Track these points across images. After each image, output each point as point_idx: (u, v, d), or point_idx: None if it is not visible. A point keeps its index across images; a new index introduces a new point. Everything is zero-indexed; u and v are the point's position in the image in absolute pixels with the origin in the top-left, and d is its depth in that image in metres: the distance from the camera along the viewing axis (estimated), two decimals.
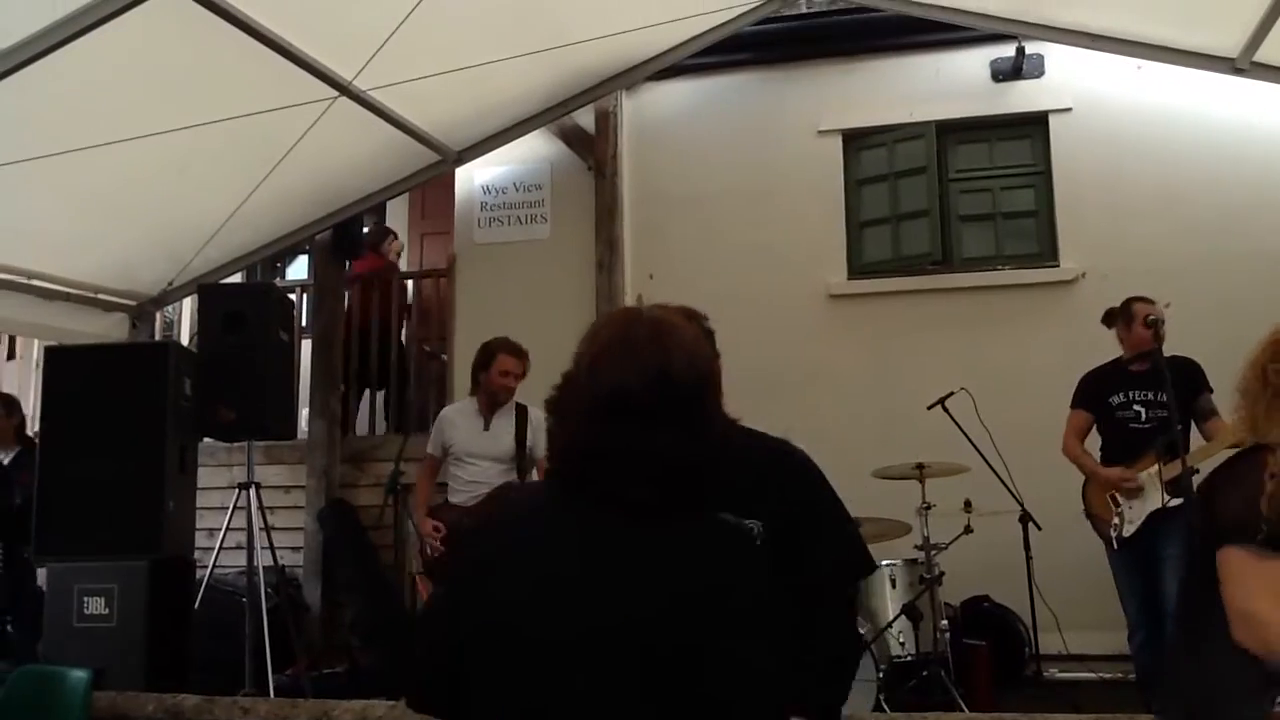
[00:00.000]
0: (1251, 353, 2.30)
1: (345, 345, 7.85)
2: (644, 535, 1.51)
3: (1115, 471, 4.83)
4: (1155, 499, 4.66)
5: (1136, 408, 4.90)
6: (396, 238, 8.68)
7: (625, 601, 1.46)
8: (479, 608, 1.54)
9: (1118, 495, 4.83)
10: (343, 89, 5.32)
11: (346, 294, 8.02)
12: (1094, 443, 5.11)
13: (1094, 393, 5.07)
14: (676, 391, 1.53)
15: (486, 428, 5.11)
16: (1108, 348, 5.16)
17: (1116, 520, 4.81)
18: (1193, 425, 4.76)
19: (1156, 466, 4.65)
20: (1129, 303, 5.00)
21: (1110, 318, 5.06)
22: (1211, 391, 4.75)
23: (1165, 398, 4.56)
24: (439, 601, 1.67)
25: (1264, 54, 5.67)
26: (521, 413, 5.14)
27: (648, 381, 1.53)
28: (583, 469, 1.56)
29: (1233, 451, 2.31)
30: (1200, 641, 2.12)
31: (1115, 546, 4.82)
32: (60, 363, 5.37)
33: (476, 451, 5.08)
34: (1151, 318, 4.69)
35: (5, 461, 6.17)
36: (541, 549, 1.55)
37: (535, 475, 5.12)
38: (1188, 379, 4.72)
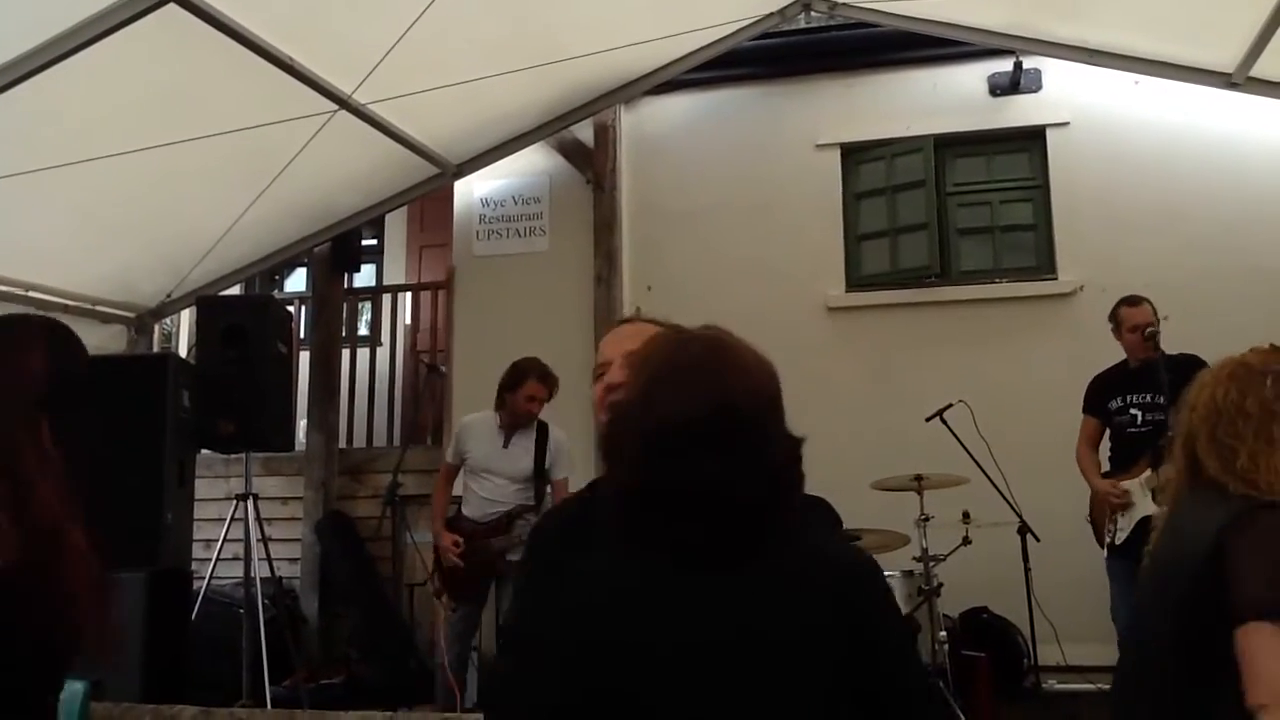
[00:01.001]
0: (1215, 391, 2.15)
1: None
2: (709, 582, 1.41)
3: (1104, 484, 4.86)
4: (1145, 506, 4.66)
5: (1133, 411, 4.91)
6: None
7: (690, 657, 1.38)
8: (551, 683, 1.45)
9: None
10: (342, 103, 5.34)
11: None
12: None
13: (1097, 398, 5.10)
14: (738, 419, 1.40)
15: (506, 445, 5.10)
16: (1107, 360, 5.17)
17: (1111, 526, 4.84)
18: None
19: (1148, 472, 4.66)
20: (1115, 307, 5.04)
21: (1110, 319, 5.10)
22: None
23: (1163, 399, 4.57)
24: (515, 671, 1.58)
25: (1260, 69, 5.70)
26: (542, 432, 5.14)
27: (706, 410, 1.41)
28: (636, 514, 1.45)
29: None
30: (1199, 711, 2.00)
31: (1107, 554, 4.87)
32: None
33: (494, 468, 5.09)
34: (1150, 330, 4.70)
35: None
36: (605, 611, 1.45)
37: (550, 495, 5.13)
38: (1188, 378, 4.69)
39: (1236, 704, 1.89)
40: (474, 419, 5.29)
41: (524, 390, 5.01)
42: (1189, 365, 4.60)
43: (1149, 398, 4.84)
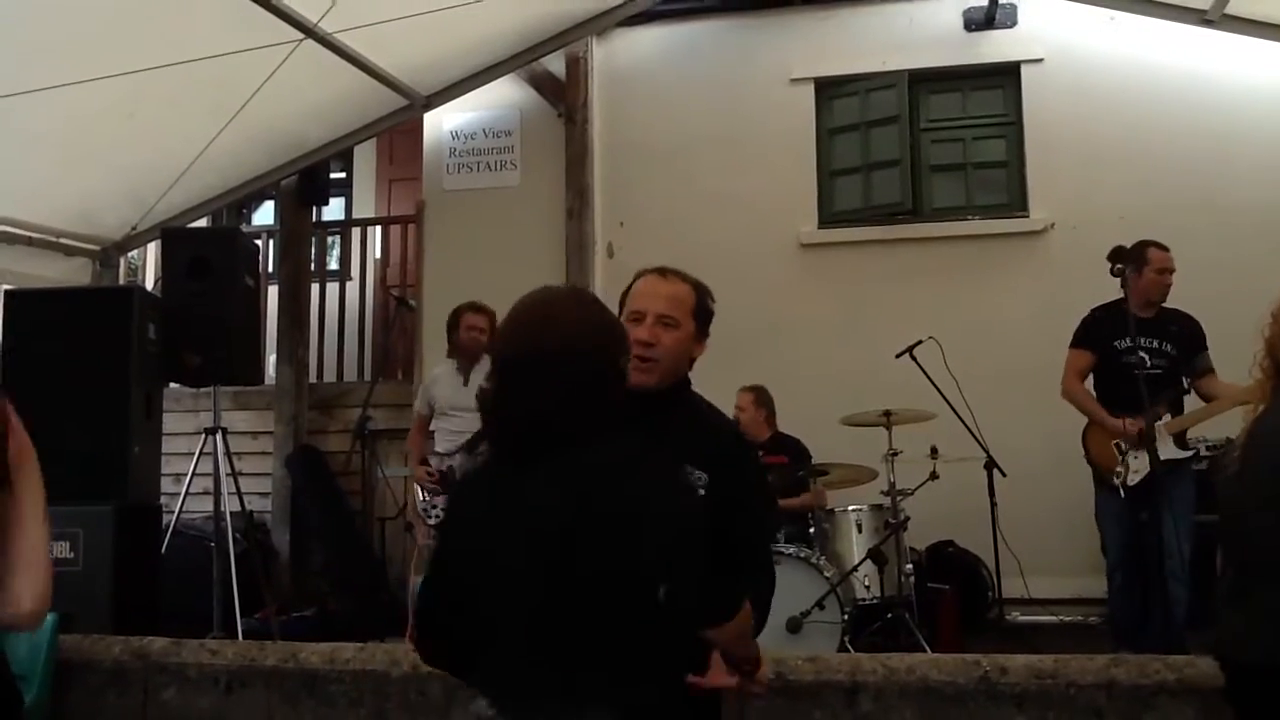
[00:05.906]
0: None
1: None
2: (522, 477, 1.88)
3: (1117, 423, 4.68)
4: (1164, 449, 4.57)
5: (1142, 354, 4.69)
6: None
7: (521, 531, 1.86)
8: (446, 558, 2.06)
9: (1122, 443, 4.74)
10: (308, 31, 5.24)
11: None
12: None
13: (1099, 334, 4.91)
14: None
15: (466, 383, 5.48)
16: (1076, 298, 5.16)
17: (1120, 469, 4.71)
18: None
19: (1167, 417, 4.62)
20: (1144, 247, 4.82)
21: (1118, 257, 4.68)
22: (1206, 349, 4.80)
23: (1170, 348, 4.58)
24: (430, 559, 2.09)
25: (1235, 6, 5.70)
26: None
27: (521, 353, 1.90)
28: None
29: None
30: None
31: (1122, 495, 4.71)
32: (21, 307, 5.28)
33: (459, 405, 5.42)
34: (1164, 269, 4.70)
35: None
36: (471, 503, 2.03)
37: None
38: (1193, 336, 4.78)
39: None
40: (438, 370, 5.77)
41: (463, 324, 5.51)
42: (1189, 322, 4.82)
43: (1157, 343, 4.75)
